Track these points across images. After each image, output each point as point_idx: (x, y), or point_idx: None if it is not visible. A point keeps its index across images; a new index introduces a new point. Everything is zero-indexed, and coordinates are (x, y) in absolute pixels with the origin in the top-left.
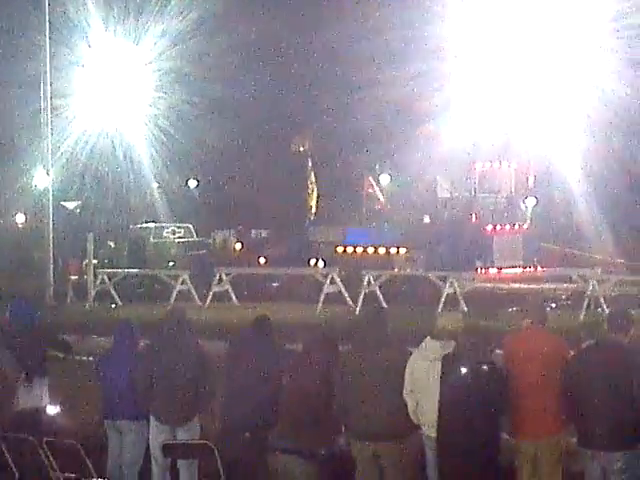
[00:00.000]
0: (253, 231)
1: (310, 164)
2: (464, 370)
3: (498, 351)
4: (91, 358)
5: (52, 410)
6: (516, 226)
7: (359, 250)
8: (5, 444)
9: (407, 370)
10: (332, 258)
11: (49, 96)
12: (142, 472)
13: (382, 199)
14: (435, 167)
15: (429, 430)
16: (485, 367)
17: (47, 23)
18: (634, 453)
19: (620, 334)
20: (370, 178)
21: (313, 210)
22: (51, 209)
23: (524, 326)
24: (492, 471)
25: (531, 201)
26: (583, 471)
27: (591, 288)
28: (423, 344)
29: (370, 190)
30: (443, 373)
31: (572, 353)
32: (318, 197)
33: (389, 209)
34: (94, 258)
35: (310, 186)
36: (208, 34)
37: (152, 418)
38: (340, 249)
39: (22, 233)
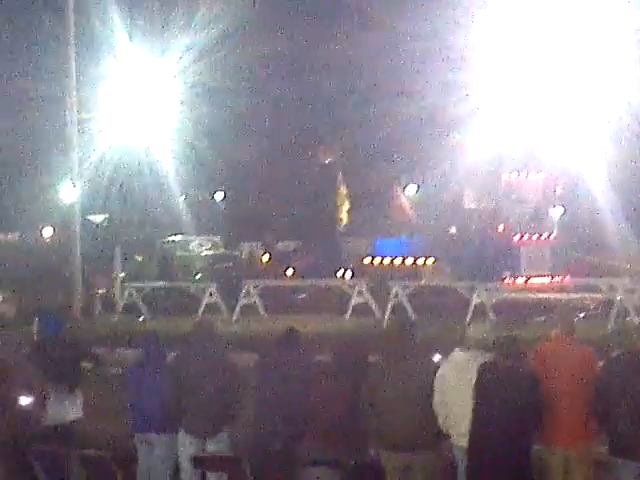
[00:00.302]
0: (280, 243)
1: (340, 176)
2: (500, 380)
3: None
4: (119, 370)
5: (82, 423)
6: (543, 236)
7: (386, 261)
8: (35, 457)
9: (437, 381)
10: (359, 269)
11: (75, 109)
12: None
13: (409, 210)
14: (461, 177)
15: (459, 440)
16: (522, 377)
17: (72, 36)
18: None
19: None
20: (398, 189)
21: (344, 222)
22: (78, 223)
23: (553, 336)
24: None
25: (558, 210)
26: None
27: (619, 298)
28: (452, 355)
29: (398, 201)
30: (479, 382)
31: (601, 363)
32: (349, 209)
33: (417, 220)
34: (121, 271)
35: (340, 198)
36: (234, 47)
37: (181, 430)
38: (367, 260)
39: (49, 247)
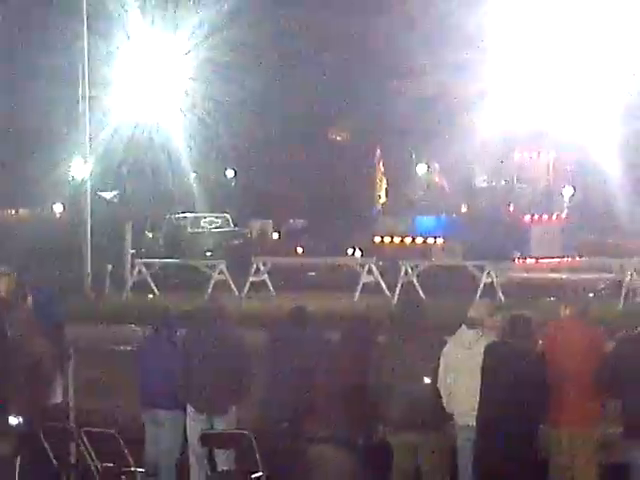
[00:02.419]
0: (290, 221)
1: (378, 153)
2: (508, 359)
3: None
4: (129, 348)
5: (89, 401)
6: (554, 216)
7: (396, 240)
8: (44, 434)
9: (442, 358)
10: (370, 248)
11: (87, 86)
12: (179, 461)
13: (446, 188)
14: (472, 157)
15: (462, 419)
16: (530, 357)
17: (85, 13)
18: None
19: None
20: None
21: (382, 200)
22: (89, 199)
23: (562, 316)
24: (531, 459)
25: (569, 190)
26: (619, 463)
27: (629, 278)
28: (458, 332)
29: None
30: (486, 362)
31: (612, 343)
32: (387, 187)
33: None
34: (132, 248)
35: (379, 176)
36: (246, 24)
37: (189, 407)
38: (377, 239)
39: (60, 223)
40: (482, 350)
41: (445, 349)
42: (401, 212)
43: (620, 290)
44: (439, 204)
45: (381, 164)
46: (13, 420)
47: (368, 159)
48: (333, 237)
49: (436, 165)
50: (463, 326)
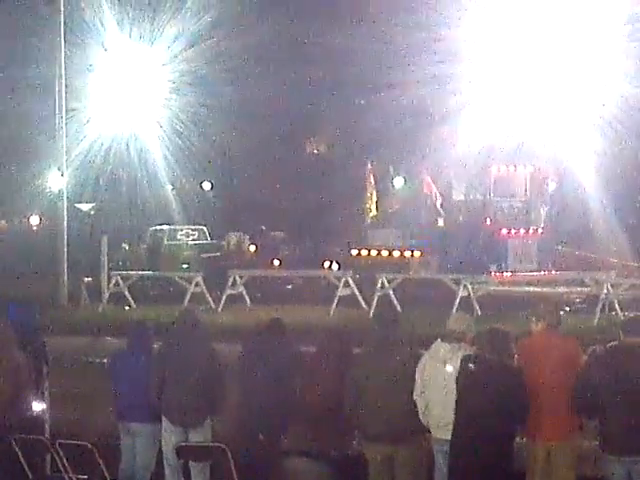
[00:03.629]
0: (268, 233)
1: (369, 166)
2: (484, 372)
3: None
4: (105, 360)
5: (65, 413)
6: (531, 230)
7: (373, 253)
8: (19, 445)
9: (417, 372)
10: (347, 261)
11: (64, 98)
12: (155, 474)
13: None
14: (449, 170)
15: (437, 432)
16: (506, 370)
17: (62, 25)
18: None
19: (635, 337)
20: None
21: (372, 213)
22: (65, 211)
23: (538, 329)
24: (508, 473)
25: (545, 204)
26: (596, 476)
27: (605, 291)
28: (433, 346)
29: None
30: (461, 375)
31: (586, 357)
32: (377, 200)
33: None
34: (108, 260)
35: (369, 189)
36: (224, 36)
37: (165, 420)
38: (354, 252)
39: (36, 235)
40: (457, 364)
41: (421, 362)
42: (393, 225)
43: (596, 304)
44: (416, 217)
45: (372, 177)
46: None
47: (352, 172)
48: (310, 250)
49: (428, 178)
50: (439, 340)
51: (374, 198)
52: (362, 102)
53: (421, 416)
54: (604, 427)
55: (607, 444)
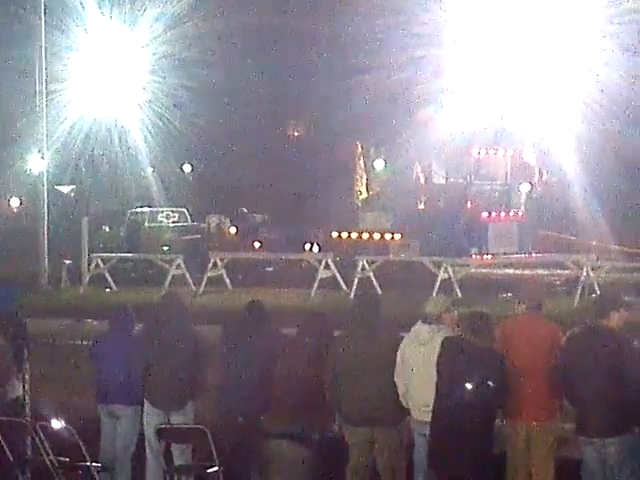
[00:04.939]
0: (248, 215)
1: (360, 148)
2: (464, 355)
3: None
4: (85, 342)
5: (45, 395)
6: (511, 213)
7: (354, 235)
8: None
9: (398, 354)
10: (327, 243)
11: (44, 80)
12: (135, 456)
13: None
14: (430, 153)
15: (417, 414)
16: (486, 353)
17: (43, 6)
18: (629, 437)
19: (604, 319)
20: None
21: (363, 196)
22: (46, 193)
23: (519, 312)
24: (487, 454)
25: (526, 187)
26: (576, 458)
27: (585, 274)
28: (413, 328)
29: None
30: (442, 356)
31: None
32: (368, 183)
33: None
34: (89, 242)
35: (359, 172)
36: (204, 18)
37: (146, 402)
38: (335, 234)
39: (16, 217)
40: (438, 345)
41: (402, 344)
42: (384, 208)
43: (576, 287)
44: (396, 200)
45: (362, 160)
46: None
47: (334, 154)
48: (291, 232)
49: (417, 164)
50: (419, 322)
51: (364, 180)
52: (343, 86)
53: (401, 398)
54: (576, 409)
55: (579, 425)
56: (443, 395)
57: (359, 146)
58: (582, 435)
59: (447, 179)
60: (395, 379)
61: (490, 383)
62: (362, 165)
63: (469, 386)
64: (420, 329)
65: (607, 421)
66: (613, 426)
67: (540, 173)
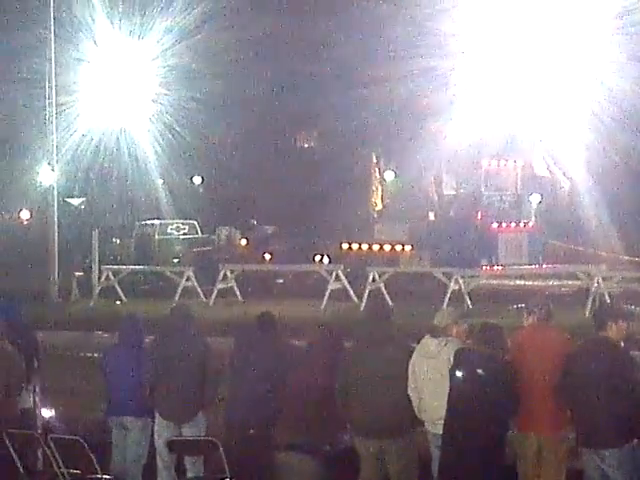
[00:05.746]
0: (258, 227)
1: (374, 159)
2: (476, 367)
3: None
4: (96, 354)
5: (56, 407)
6: (521, 224)
7: (364, 247)
8: (10, 440)
9: (409, 368)
10: (338, 255)
11: (54, 92)
12: (147, 468)
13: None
14: (440, 164)
15: (432, 426)
16: (498, 364)
17: (52, 19)
18: (627, 448)
19: (602, 331)
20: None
21: (379, 207)
22: (56, 205)
23: (529, 323)
24: (499, 465)
25: (536, 198)
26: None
27: (596, 285)
28: (422, 342)
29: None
30: (454, 367)
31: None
32: (383, 194)
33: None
34: (99, 254)
35: (375, 183)
36: (214, 30)
37: (157, 414)
38: (345, 246)
39: (27, 229)
40: (447, 358)
41: (413, 357)
42: (400, 219)
43: (587, 297)
44: (406, 212)
45: (377, 171)
46: None
47: (344, 165)
48: (302, 244)
49: (428, 175)
50: (427, 335)
51: (379, 192)
52: (352, 97)
53: (416, 410)
54: (577, 419)
55: (580, 436)
56: (454, 407)
57: (374, 157)
58: (583, 446)
59: (457, 190)
60: (409, 393)
61: (502, 394)
62: (377, 176)
63: (481, 397)
64: (428, 342)
65: (607, 432)
66: (611, 437)
67: (557, 184)
